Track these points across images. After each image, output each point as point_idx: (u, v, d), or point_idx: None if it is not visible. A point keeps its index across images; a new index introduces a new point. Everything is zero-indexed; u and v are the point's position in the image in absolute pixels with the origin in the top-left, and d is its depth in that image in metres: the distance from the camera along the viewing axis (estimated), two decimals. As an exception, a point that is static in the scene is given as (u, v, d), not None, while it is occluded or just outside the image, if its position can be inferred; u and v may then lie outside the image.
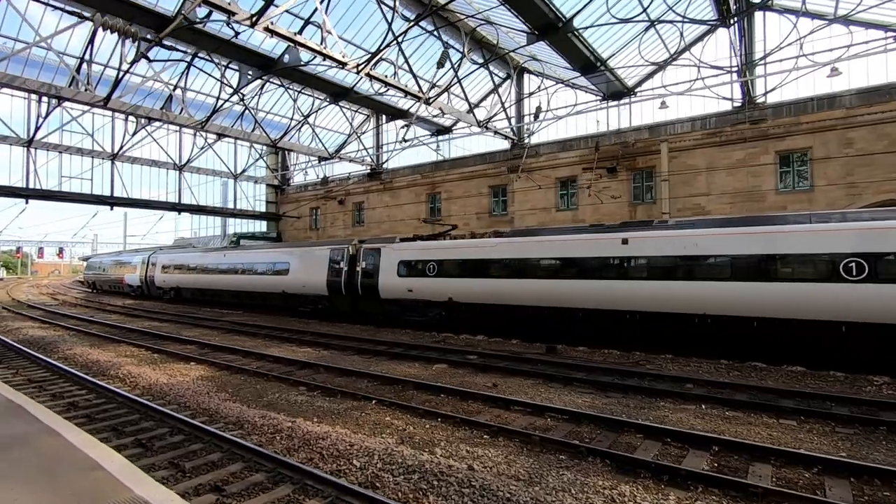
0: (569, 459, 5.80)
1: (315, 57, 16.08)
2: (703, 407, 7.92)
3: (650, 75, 21.78)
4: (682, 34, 17.40)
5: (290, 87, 24.22)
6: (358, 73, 16.35)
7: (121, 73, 18.68)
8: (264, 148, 33.33)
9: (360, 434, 6.57)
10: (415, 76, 18.50)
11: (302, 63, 17.99)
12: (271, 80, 22.72)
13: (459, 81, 19.84)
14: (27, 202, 24.92)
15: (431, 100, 19.29)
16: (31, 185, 24.08)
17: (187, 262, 28.57)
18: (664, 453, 6.05)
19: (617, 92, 22.21)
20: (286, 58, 18.26)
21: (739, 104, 19.42)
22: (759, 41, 19.08)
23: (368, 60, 16.56)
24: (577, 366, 10.95)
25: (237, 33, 13.06)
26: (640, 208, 21.47)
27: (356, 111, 29.07)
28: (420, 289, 16.82)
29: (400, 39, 16.69)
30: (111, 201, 27.36)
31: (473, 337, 15.28)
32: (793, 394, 8.50)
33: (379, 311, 18.30)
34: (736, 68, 18.45)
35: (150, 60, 16.28)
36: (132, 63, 17.72)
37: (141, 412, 7.76)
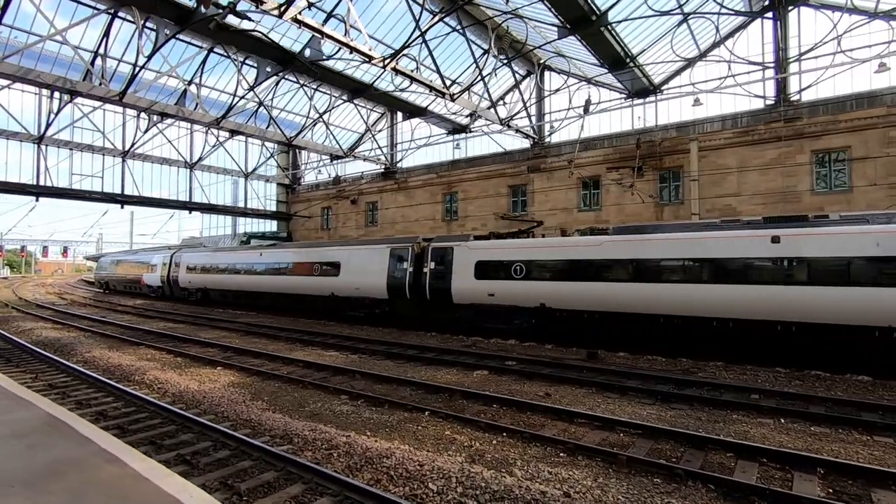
0: (665, 483, 5.23)
1: (338, 51, 15.59)
2: (783, 421, 7.34)
3: (678, 72, 21.20)
4: (717, 27, 16.85)
5: (307, 84, 23.70)
6: (384, 67, 15.83)
7: (136, 69, 18.22)
8: (276, 146, 32.80)
9: (424, 451, 6.00)
10: (439, 72, 17.97)
11: (324, 57, 17.45)
12: (287, 76, 22.18)
13: (483, 78, 19.30)
14: (37, 200, 24.40)
15: (455, 96, 18.77)
16: (41, 183, 23.59)
17: (217, 263, 26.72)
18: (766, 476, 5.48)
19: (642, 89, 21.63)
20: (307, 52, 17.71)
21: (773, 102, 18.84)
22: (793, 37, 18.49)
23: (394, 55, 16.04)
24: (626, 373, 10.39)
25: (280, 16, 12.42)
26: (668, 209, 20.90)
27: (371, 109, 28.53)
28: (504, 293, 15.08)
29: (426, 35, 16.16)
30: (122, 199, 26.82)
31: (505, 341, 14.71)
32: (872, 406, 7.91)
33: (451, 317, 16.56)
34: (772, 64, 17.88)
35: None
36: (150, 56, 17.24)
37: (177, 423, 7.21)
